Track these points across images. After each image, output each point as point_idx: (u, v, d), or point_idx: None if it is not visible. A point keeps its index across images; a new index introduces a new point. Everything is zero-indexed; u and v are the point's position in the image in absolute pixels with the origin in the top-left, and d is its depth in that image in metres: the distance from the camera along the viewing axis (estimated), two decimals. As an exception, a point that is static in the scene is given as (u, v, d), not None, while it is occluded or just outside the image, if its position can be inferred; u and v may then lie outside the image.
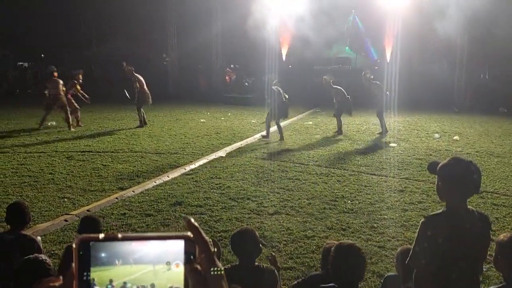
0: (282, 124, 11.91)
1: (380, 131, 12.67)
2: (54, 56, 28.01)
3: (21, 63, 30.40)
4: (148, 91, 13.70)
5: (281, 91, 11.68)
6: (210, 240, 0.72)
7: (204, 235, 0.68)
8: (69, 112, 12.96)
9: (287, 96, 11.83)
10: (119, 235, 0.65)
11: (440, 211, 2.64)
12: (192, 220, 0.69)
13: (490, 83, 21.47)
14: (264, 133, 12.09)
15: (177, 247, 0.67)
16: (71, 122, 12.97)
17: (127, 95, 14.23)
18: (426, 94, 19.43)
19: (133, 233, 0.67)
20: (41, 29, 27.22)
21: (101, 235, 0.65)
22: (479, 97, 20.41)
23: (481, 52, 20.42)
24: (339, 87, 12.97)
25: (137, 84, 13.47)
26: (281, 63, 23.24)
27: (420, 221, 2.65)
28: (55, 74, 13.24)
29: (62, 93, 12.96)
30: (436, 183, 2.69)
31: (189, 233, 0.68)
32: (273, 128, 11.82)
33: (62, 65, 24.50)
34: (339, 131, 12.77)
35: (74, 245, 0.64)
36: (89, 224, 3.74)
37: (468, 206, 2.59)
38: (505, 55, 19.11)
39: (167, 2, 25.43)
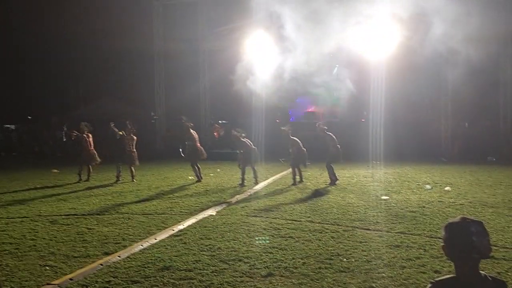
0: (272, 178, 11.83)
1: (329, 182, 13.22)
2: (40, 117, 27.99)
3: (7, 125, 30.28)
4: (201, 147, 14.50)
5: (249, 141, 13.66)
6: None
7: None
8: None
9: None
10: None
11: (450, 276, 2.45)
12: None
13: (476, 132, 21.72)
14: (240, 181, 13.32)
15: None
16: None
17: (182, 153, 14.57)
18: (413, 144, 19.55)
19: None
20: (28, 91, 27.36)
21: None
22: (466, 146, 20.58)
23: (465, 102, 20.79)
24: (296, 139, 13.58)
25: (191, 141, 14.29)
26: (268, 117, 23.39)
27: (428, 286, 2.45)
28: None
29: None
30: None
31: None
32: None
33: (49, 125, 24.41)
34: (295, 181, 13.31)
35: None
36: None
37: (481, 271, 2.39)
38: (489, 104, 19.47)
39: (154, 59, 25.82)
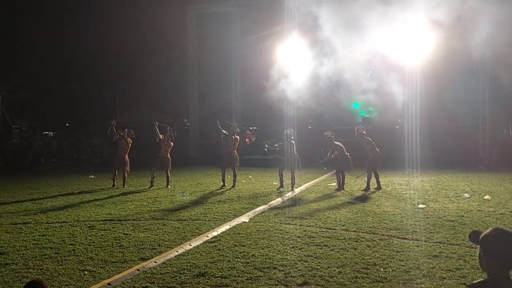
0: (304, 185, 11.78)
1: (365, 187, 13.23)
2: (78, 125, 28.76)
3: (46, 132, 31.20)
4: (236, 154, 14.80)
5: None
6: None
7: None
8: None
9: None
10: None
11: (483, 279, 2.47)
12: None
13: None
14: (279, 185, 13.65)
15: None
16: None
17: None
18: (450, 152, 19.12)
19: None
20: (67, 101, 28.15)
21: None
22: (505, 153, 19.97)
23: (503, 109, 20.22)
24: (339, 144, 13.48)
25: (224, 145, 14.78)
26: (300, 124, 23.27)
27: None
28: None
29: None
30: (478, 253, 2.53)
31: None
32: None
33: (87, 133, 24.99)
34: (340, 186, 13.23)
35: None
36: None
37: None
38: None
39: (188, 68, 26.18)
